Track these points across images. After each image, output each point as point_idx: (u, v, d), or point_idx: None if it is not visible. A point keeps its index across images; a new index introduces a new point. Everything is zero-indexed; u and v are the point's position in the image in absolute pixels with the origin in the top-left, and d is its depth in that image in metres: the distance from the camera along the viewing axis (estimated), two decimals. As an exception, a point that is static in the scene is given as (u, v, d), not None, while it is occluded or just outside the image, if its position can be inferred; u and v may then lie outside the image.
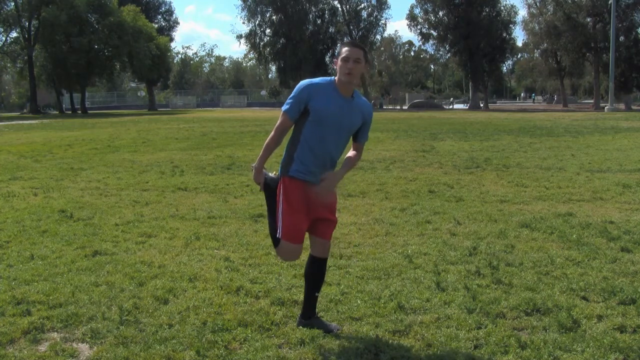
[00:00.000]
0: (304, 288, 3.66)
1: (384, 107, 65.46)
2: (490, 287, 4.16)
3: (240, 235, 5.82)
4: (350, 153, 3.53)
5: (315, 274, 3.54)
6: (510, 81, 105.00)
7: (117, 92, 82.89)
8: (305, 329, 3.47)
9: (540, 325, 3.49)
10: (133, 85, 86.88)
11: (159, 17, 70.87)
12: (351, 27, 62.40)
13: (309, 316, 3.56)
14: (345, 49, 3.30)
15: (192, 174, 10.47)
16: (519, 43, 74.18)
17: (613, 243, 5.26)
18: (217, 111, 54.11)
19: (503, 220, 6.30)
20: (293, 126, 3.40)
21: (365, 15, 63.13)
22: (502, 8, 58.02)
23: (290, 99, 3.36)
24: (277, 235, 3.41)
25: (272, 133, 3.39)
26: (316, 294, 3.60)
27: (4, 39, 55.22)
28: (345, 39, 64.03)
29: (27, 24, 53.47)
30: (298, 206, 3.33)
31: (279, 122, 3.38)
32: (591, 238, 5.46)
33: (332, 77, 3.38)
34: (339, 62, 3.30)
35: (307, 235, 3.51)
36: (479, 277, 4.39)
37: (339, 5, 63.39)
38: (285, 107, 3.36)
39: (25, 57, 53.89)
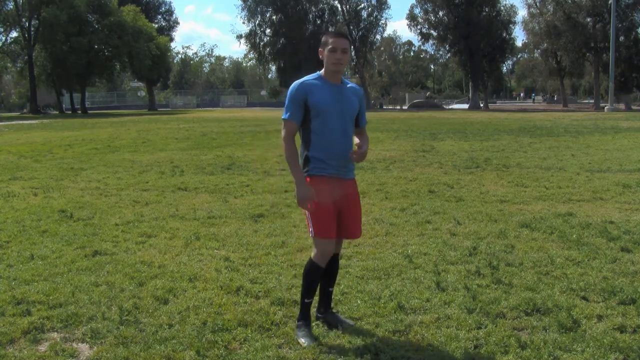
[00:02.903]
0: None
1: (384, 107, 65.44)
2: (490, 287, 4.16)
3: (240, 235, 5.82)
4: (357, 138, 3.57)
5: (327, 269, 3.58)
6: (510, 81, 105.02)
7: (117, 92, 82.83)
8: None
9: (540, 325, 3.49)
10: (134, 85, 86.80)
11: (159, 17, 70.84)
12: (351, 27, 62.32)
13: (323, 311, 3.64)
14: (332, 39, 3.32)
15: (192, 174, 10.47)
16: (519, 43, 74.33)
17: (613, 243, 5.26)
18: (217, 111, 54.09)
19: (503, 220, 6.30)
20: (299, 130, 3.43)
21: (365, 15, 63.13)
22: (502, 8, 58.09)
23: (288, 104, 3.36)
24: (311, 235, 3.40)
25: (285, 145, 3.37)
26: (329, 289, 3.66)
27: (4, 39, 55.31)
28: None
29: (27, 24, 53.47)
30: (323, 200, 3.33)
31: (284, 132, 3.37)
32: (591, 238, 5.45)
33: (317, 72, 3.43)
34: (326, 53, 3.33)
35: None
36: (479, 277, 4.39)
37: (339, 5, 63.38)
38: (285, 115, 3.36)
39: (25, 57, 53.89)
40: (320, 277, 3.47)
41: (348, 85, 3.48)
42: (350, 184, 3.51)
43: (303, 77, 3.45)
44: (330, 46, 3.31)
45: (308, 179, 3.37)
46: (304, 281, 3.47)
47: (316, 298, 3.78)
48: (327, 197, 3.34)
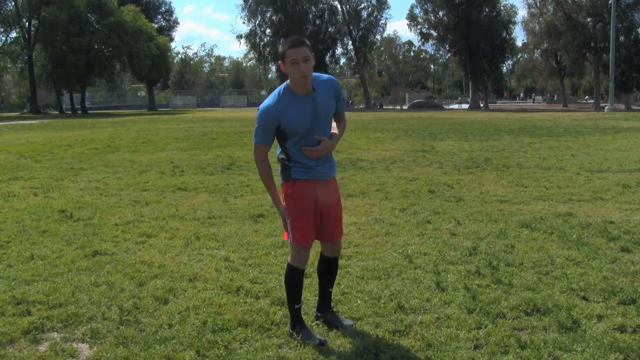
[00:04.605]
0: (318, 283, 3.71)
1: (384, 107, 65.43)
2: (490, 287, 4.16)
3: (240, 235, 5.82)
4: (335, 127, 3.41)
5: (326, 271, 3.59)
6: (510, 81, 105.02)
7: (117, 92, 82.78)
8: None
9: (540, 325, 3.49)
10: (134, 85, 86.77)
11: (159, 17, 70.81)
12: (351, 27, 62.32)
13: (322, 310, 3.63)
14: (290, 51, 3.06)
15: (192, 174, 10.47)
16: (519, 43, 74.31)
17: (613, 243, 5.26)
18: (217, 111, 54.08)
19: (503, 220, 6.30)
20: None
21: (365, 15, 63.06)
22: (502, 8, 58.00)
23: (257, 130, 3.24)
24: (289, 241, 3.37)
25: (258, 167, 3.32)
26: (329, 290, 3.65)
27: (4, 39, 55.30)
28: (345, 39, 64.01)
29: (27, 24, 53.47)
30: (305, 207, 3.29)
31: (256, 154, 3.30)
32: (591, 238, 5.45)
33: (284, 84, 3.24)
34: (288, 67, 3.09)
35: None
36: (479, 277, 4.39)
37: (339, 5, 63.36)
38: (256, 138, 3.26)
39: (25, 57, 53.88)
40: (302, 279, 3.43)
41: (321, 80, 3.23)
42: (332, 183, 3.42)
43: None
44: (291, 58, 3.05)
45: (290, 183, 3.31)
46: (288, 287, 3.42)
47: (315, 298, 3.79)
48: (309, 205, 3.29)
